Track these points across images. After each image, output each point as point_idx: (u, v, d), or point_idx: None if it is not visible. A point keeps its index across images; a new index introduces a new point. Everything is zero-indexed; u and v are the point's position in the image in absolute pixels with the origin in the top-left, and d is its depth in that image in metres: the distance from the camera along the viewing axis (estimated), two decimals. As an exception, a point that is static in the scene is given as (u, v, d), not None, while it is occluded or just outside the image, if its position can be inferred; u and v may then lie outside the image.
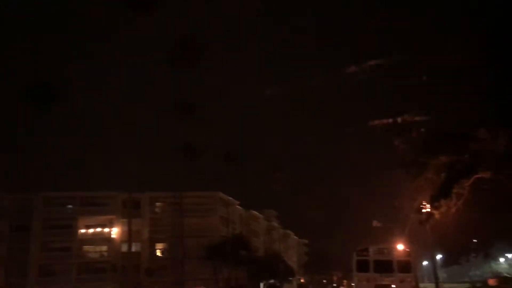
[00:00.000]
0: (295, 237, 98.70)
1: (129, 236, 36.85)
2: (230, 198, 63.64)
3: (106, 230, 57.59)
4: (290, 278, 74.48)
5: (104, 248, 57.57)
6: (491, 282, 51.95)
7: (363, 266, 17.91)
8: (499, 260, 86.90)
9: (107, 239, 57.14)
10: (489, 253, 46.21)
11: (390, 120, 40.67)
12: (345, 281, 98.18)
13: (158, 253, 59.51)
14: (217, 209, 60.76)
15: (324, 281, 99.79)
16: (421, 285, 48.04)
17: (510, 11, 17.04)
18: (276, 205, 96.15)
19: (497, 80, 20.29)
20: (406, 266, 17.56)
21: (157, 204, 60.52)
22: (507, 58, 18.65)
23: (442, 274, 71.74)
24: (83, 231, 57.34)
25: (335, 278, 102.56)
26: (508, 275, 62.42)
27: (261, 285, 61.73)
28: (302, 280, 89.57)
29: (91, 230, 57.74)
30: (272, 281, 62.89)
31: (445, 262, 49.80)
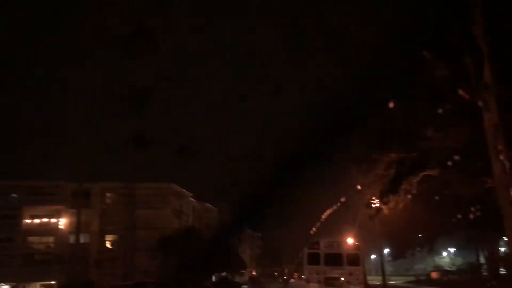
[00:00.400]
0: (248, 230, 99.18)
1: (78, 227, 35.80)
2: (184, 190, 63.04)
3: (53, 220, 55.65)
4: (242, 271, 74.85)
5: (51, 239, 55.63)
6: (434, 275, 54.56)
7: (314, 259, 18.23)
8: (442, 254, 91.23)
9: (54, 230, 55.25)
10: (433, 248, 48.29)
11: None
12: (296, 274, 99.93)
13: (108, 245, 58.18)
14: (170, 201, 60.08)
15: (276, 273, 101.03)
16: (368, 277, 49.59)
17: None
18: (230, 198, 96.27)
19: (446, 80, 21.02)
20: (355, 259, 18.03)
21: (108, 195, 59.11)
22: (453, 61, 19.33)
23: (388, 268, 74.45)
24: (28, 221, 55.11)
25: (286, 270, 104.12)
26: (449, 269, 65.70)
27: (213, 278, 61.61)
28: (254, 273, 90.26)
29: (37, 221, 55.57)
30: (224, 273, 62.96)
31: (392, 256, 51.61)
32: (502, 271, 38.72)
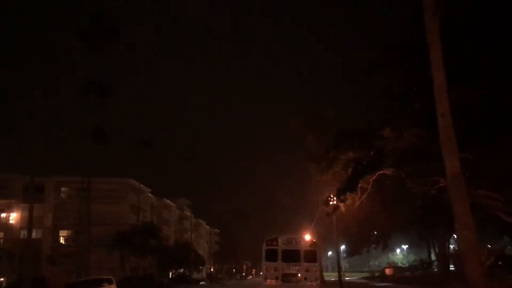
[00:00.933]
0: (207, 226, 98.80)
1: (30, 221, 34.47)
2: (142, 185, 61.99)
3: (3, 215, 53.44)
4: (200, 267, 74.53)
5: (1, 234, 53.42)
6: (388, 271, 56.13)
7: (271, 256, 18.31)
8: (395, 251, 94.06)
9: (4, 225, 53.08)
10: (388, 245, 49.60)
11: (305, 117, 42.22)
12: (254, 270, 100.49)
13: (62, 240, 56.45)
14: (128, 197, 58.94)
15: (234, 270, 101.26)
16: (325, 274, 50.49)
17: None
18: (189, 194, 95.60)
19: (402, 83, 21.65)
20: (312, 256, 18.23)
21: (63, 189, 57.31)
22: (411, 64, 19.93)
23: (344, 264, 76.18)
24: (-25, 215, 52.71)
25: (244, 267, 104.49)
26: (402, 265, 67.84)
27: (170, 274, 60.99)
28: (212, 269, 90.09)
29: (-15, 215, 53.22)
30: (181, 270, 62.48)
31: (348, 253, 52.68)
32: (452, 267, 40.35)
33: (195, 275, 68.47)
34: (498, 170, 19.52)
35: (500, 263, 27.51)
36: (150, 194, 67.27)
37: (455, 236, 36.97)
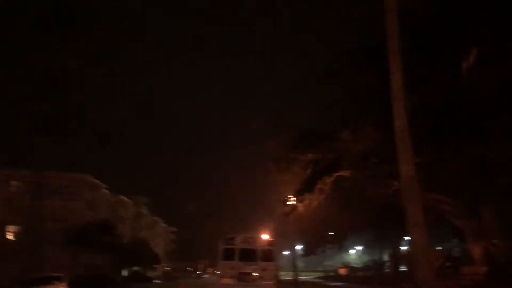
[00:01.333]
0: (163, 224, 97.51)
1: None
2: (98, 181, 60.40)
3: None
4: (155, 266, 73.46)
5: None
6: (341, 271, 57.37)
7: (228, 254, 18.24)
8: (350, 252, 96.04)
9: None
10: (342, 245, 50.63)
11: (266, 117, 42.36)
12: (210, 269, 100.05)
13: (11, 236, 54.10)
14: (83, 193, 57.29)
15: (190, 269, 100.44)
16: (280, 273, 50.90)
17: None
18: (147, 191, 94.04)
19: (362, 86, 22.14)
20: (269, 255, 18.30)
21: (13, 183, 54.95)
22: (370, 68, 20.42)
23: (300, 264, 77.01)
24: None
25: (200, 266, 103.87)
26: (356, 265, 69.41)
27: (124, 272, 59.79)
28: (167, 268, 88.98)
29: None
30: (136, 268, 61.37)
31: (304, 252, 53.33)
32: (403, 268, 41.65)
33: (150, 274, 67.43)
34: (449, 175, 20.32)
35: (448, 264, 28.62)
36: (106, 191, 65.69)
37: (407, 238, 38.18)
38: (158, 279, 65.43)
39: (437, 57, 17.27)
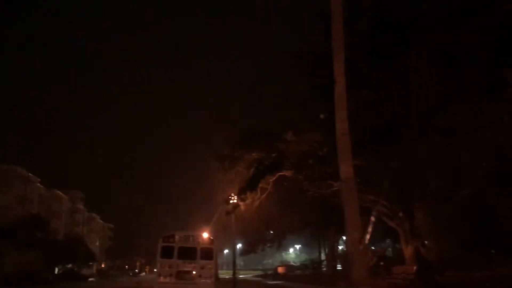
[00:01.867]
0: (100, 221, 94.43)
1: None
2: (30, 174, 57.35)
3: None
4: (91, 263, 70.96)
5: None
6: (280, 269, 58.13)
7: (167, 253, 17.93)
8: (289, 250, 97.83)
9: None
10: (282, 244, 51.43)
11: (212, 116, 42.15)
12: (148, 267, 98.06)
13: None
14: (13, 186, 54.18)
15: (126, 266, 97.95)
16: (220, 271, 50.83)
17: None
18: (84, 186, 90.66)
19: (306, 89, 22.55)
20: (209, 253, 18.17)
21: None
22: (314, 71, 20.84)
23: (239, 262, 77.43)
24: None
25: (138, 263, 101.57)
26: (294, 264, 70.73)
27: (56, 270, 57.22)
28: (103, 265, 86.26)
29: None
30: (69, 265, 58.93)
31: (244, 251, 53.61)
32: (339, 267, 42.87)
33: (85, 271, 65.00)
34: (384, 177, 21.16)
35: (382, 263, 29.75)
36: (39, 184, 62.55)
37: (344, 238, 39.39)
38: (92, 277, 63.20)
39: (380, 62, 17.89)
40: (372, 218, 22.62)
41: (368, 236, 22.34)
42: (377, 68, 17.94)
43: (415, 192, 21.27)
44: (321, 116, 17.08)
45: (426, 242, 21.35)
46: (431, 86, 15.66)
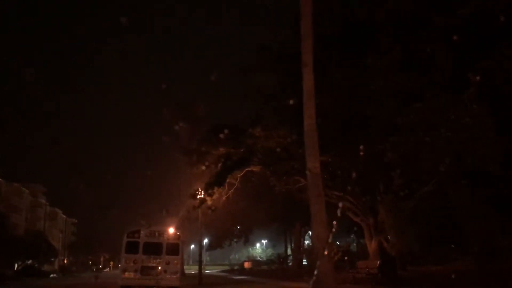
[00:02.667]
0: (63, 215, 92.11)
1: None
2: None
3: None
4: (52, 259, 69.17)
5: None
6: (246, 264, 58.43)
7: (132, 248, 17.70)
8: (255, 246, 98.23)
9: None
10: (249, 239, 51.61)
11: (179, 109, 41.79)
12: (112, 263, 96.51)
13: None
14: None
15: (90, 262, 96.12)
16: (186, 267, 50.59)
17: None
18: (47, 180, 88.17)
19: (275, 84, 22.66)
20: (175, 248, 18.05)
21: None
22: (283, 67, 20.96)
23: (206, 257, 77.23)
24: None
25: (102, 259, 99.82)
26: (260, 259, 71.16)
27: (16, 265, 55.50)
28: (65, 261, 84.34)
29: None
30: (29, 261, 57.24)
31: (210, 246, 53.54)
32: (305, 261, 43.41)
33: (46, 267, 63.31)
34: (349, 174, 21.54)
35: (346, 258, 30.31)
36: (-2, 178, 60.48)
37: (310, 233, 39.92)
38: (54, 273, 61.65)
39: (346, 62, 18.15)
40: (338, 213, 22.97)
41: (333, 230, 22.70)
42: (344, 67, 18.20)
43: (379, 188, 21.75)
44: (291, 101, 17.14)
45: (389, 237, 21.89)
46: (395, 85, 16.01)
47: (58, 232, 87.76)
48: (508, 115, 14.31)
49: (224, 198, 25.10)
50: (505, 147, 14.26)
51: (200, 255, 32.13)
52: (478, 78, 13.18)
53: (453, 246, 25.47)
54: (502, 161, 14.54)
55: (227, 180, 24.02)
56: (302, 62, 11.83)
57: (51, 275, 56.87)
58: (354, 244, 45.60)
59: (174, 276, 17.71)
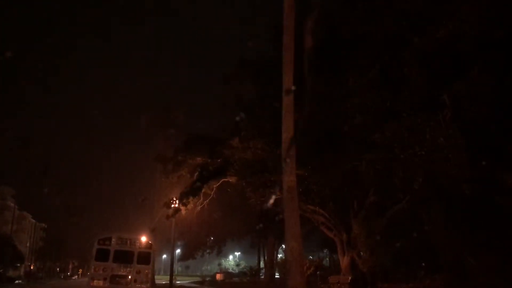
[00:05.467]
0: (32, 220, 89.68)
1: None
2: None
3: None
4: (18, 264, 67.15)
5: None
6: (218, 276, 57.90)
7: (102, 255, 17.37)
8: (228, 257, 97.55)
9: None
10: (222, 250, 51.18)
11: (156, 117, 41.54)
12: (80, 270, 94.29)
13: None
14: None
15: (58, 269, 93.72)
16: (157, 277, 49.81)
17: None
18: (16, 182, 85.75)
19: (253, 96, 22.75)
20: (146, 258, 17.80)
21: None
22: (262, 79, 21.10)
23: (177, 268, 76.35)
24: None
25: (70, 266, 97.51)
26: (232, 271, 70.67)
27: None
28: (32, 267, 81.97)
29: None
30: (-6, 266, 55.49)
31: (183, 256, 52.89)
32: (277, 275, 43.29)
33: (11, 273, 61.39)
34: (324, 188, 21.69)
35: (318, 272, 30.38)
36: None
37: (283, 246, 39.87)
38: (19, 279, 59.81)
39: (327, 77, 18.37)
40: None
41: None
42: (323, 82, 18.41)
43: (354, 205, 21.95)
44: (268, 114, 17.20)
45: (361, 253, 22.06)
46: (372, 103, 16.26)
47: (25, 236, 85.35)
48: (478, 138, 14.70)
49: (199, 208, 24.92)
50: (476, 170, 14.59)
51: (172, 265, 31.76)
52: (449, 100, 13.54)
53: (423, 264, 25.80)
54: (473, 183, 14.85)
55: (203, 190, 23.87)
56: (283, 76, 11.92)
57: (17, 281, 55.19)
58: (327, 259, 45.77)
59: (144, 286, 17.45)
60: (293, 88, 11.79)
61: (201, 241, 45.08)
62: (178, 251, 51.46)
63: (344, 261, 22.83)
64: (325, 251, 46.37)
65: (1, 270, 56.10)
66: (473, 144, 14.50)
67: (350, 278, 20.18)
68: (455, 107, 13.81)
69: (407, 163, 16.11)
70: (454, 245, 19.40)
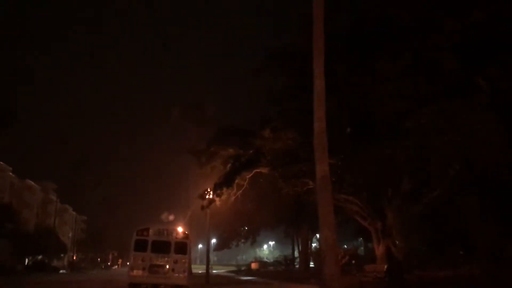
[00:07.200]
0: (73, 212, 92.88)
1: None
2: (2, 163, 56.05)
3: None
4: (62, 255, 69.84)
5: None
6: (253, 265, 58.47)
7: (141, 246, 17.85)
8: (263, 247, 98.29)
9: None
10: (256, 240, 51.66)
11: (188, 110, 42.15)
12: (120, 260, 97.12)
13: None
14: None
15: (99, 259, 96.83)
16: (193, 266, 50.78)
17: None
18: (57, 177, 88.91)
19: (284, 87, 22.76)
20: (183, 248, 18.16)
21: None
22: (293, 70, 21.03)
23: (213, 257, 77.43)
24: None
25: (110, 256, 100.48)
26: (267, 260, 71.15)
27: (26, 261, 56.16)
28: (74, 258, 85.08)
29: None
30: (40, 257, 57.89)
31: (218, 246, 53.68)
32: (312, 264, 43.36)
33: (56, 263, 63.97)
34: (358, 178, 21.55)
35: (353, 261, 30.26)
36: (11, 173, 61.16)
37: (318, 236, 39.89)
38: (63, 269, 62.25)
39: (358, 65, 18.19)
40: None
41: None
42: (354, 70, 18.23)
43: (388, 193, 21.73)
44: (300, 104, 17.17)
45: (396, 241, 21.85)
46: (405, 89, 16.01)
47: (68, 228, 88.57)
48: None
49: (232, 198, 25.23)
50: (515, 154, 14.23)
51: (208, 255, 32.26)
52: (484, 84, 13.18)
53: (460, 252, 25.32)
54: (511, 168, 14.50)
55: (236, 181, 24.12)
56: (313, 66, 11.89)
57: (61, 271, 57.46)
58: (362, 248, 45.49)
59: (182, 275, 17.83)
60: (324, 77, 11.74)
61: (236, 231, 45.64)
62: (213, 241, 52.26)
63: (379, 250, 22.68)
64: (359, 240, 46.08)
65: (46, 260, 58.54)
66: (511, 127, 14.12)
67: (386, 266, 20.04)
68: (491, 91, 13.44)
69: (442, 150, 15.84)
70: (491, 233, 18.97)
